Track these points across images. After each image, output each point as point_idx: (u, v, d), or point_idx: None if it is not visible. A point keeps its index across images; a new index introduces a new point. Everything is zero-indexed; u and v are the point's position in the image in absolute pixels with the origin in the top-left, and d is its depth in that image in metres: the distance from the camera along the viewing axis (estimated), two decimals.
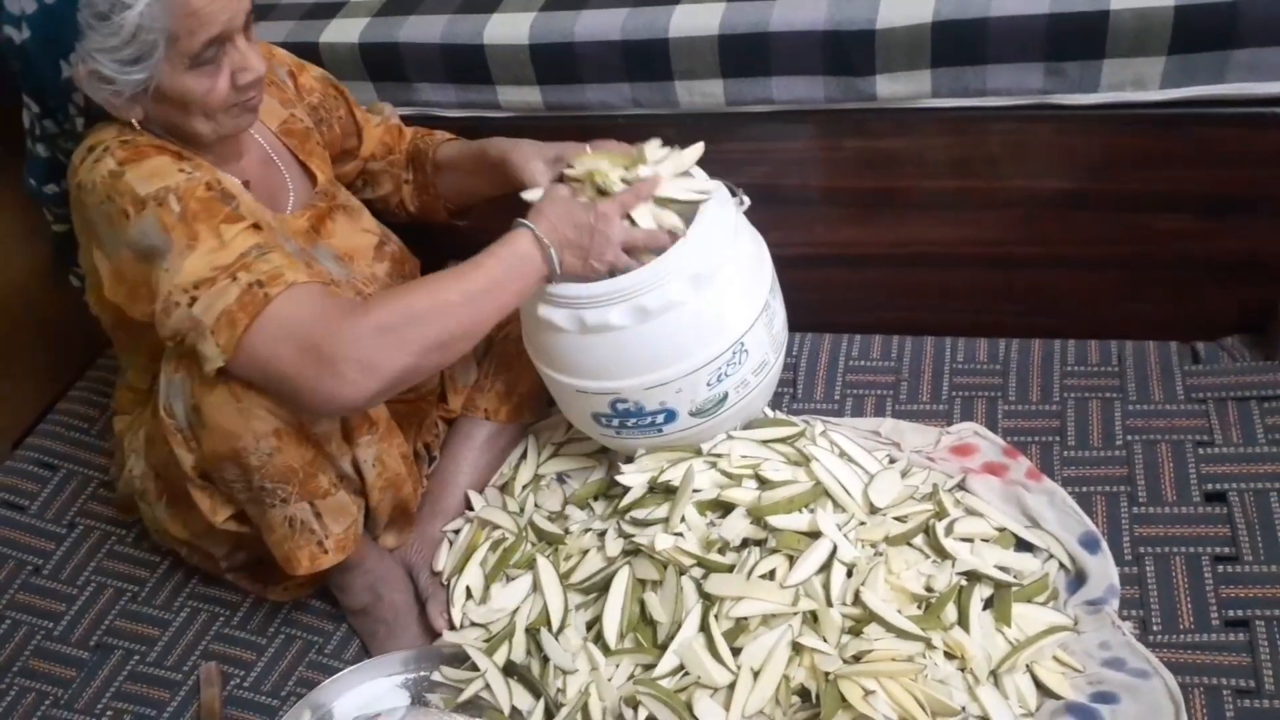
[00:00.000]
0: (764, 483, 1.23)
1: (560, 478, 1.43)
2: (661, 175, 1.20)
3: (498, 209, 1.37)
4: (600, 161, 1.21)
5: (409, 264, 1.40)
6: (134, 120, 1.07)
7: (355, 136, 1.40)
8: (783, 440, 1.29)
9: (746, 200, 1.26)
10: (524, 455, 1.47)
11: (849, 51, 1.31)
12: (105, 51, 0.99)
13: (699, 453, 1.28)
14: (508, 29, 1.43)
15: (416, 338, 1.04)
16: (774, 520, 1.17)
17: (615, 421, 1.27)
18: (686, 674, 1.10)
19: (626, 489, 1.28)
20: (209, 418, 1.09)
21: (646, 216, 1.18)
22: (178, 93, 1.04)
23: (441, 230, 1.47)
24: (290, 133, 1.28)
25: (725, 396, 1.25)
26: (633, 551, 1.23)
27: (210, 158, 1.12)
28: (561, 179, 1.23)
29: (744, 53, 1.35)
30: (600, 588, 1.23)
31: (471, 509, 1.40)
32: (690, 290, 1.17)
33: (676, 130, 1.44)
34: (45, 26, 0.99)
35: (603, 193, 1.19)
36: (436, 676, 1.21)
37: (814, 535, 1.16)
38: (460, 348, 1.12)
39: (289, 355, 1.02)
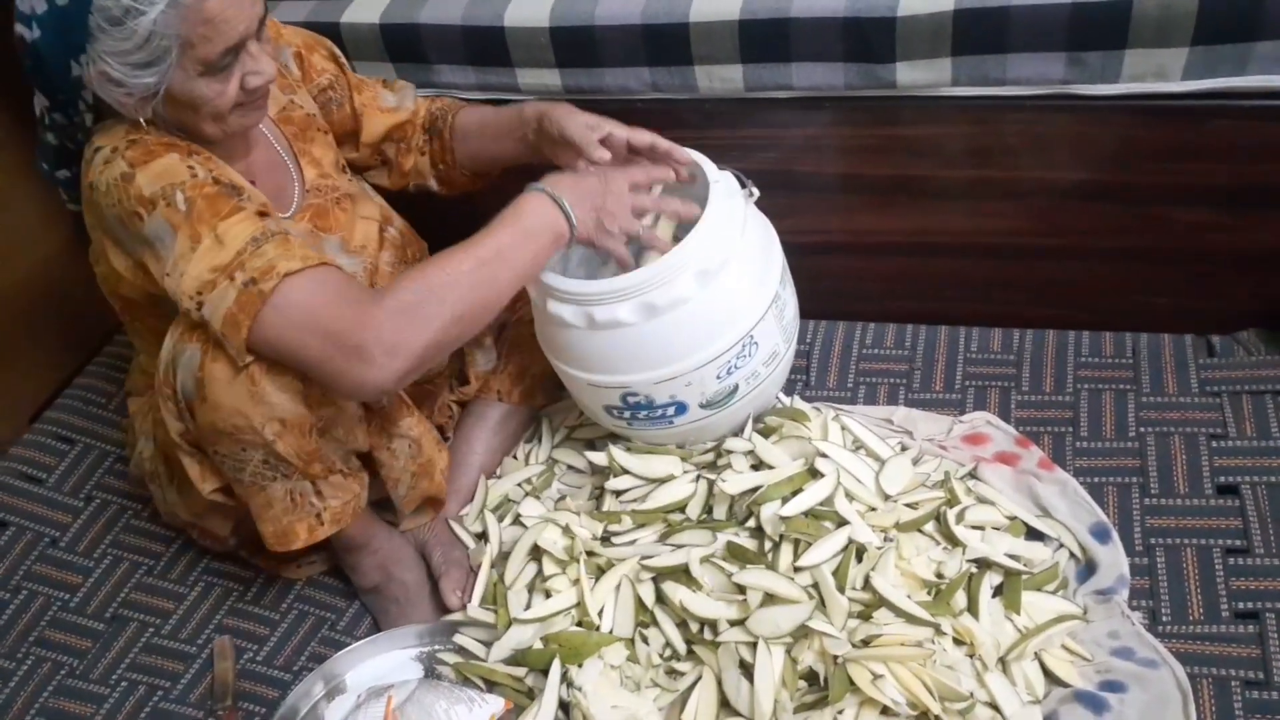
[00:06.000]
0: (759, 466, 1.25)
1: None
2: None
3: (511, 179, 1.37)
4: None
5: (413, 247, 1.39)
6: (141, 119, 1.07)
7: (355, 121, 1.35)
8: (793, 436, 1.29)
9: (755, 191, 1.26)
10: (537, 438, 1.48)
11: (869, 38, 1.31)
12: (116, 55, 0.98)
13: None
14: (528, 11, 1.43)
15: (435, 313, 1.05)
16: (786, 509, 1.17)
17: (626, 414, 1.27)
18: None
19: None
20: (214, 394, 1.08)
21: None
22: (188, 96, 1.04)
23: (452, 208, 1.41)
24: (289, 120, 1.26)
25: (736, 388, 1.25)
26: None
27: (218, 152, 1.12)
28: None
29: (764, 38, 1.35)
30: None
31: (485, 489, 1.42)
32: (698, 285, 1.17)
33: (696, 115, 1.45)
34: (56, 27, 0.98)
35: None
36: (449, 652, 1.22)
37: (825, 520, 1.17)
38: (481, 317, 1.11)
39: (310, 344, 1.03)
